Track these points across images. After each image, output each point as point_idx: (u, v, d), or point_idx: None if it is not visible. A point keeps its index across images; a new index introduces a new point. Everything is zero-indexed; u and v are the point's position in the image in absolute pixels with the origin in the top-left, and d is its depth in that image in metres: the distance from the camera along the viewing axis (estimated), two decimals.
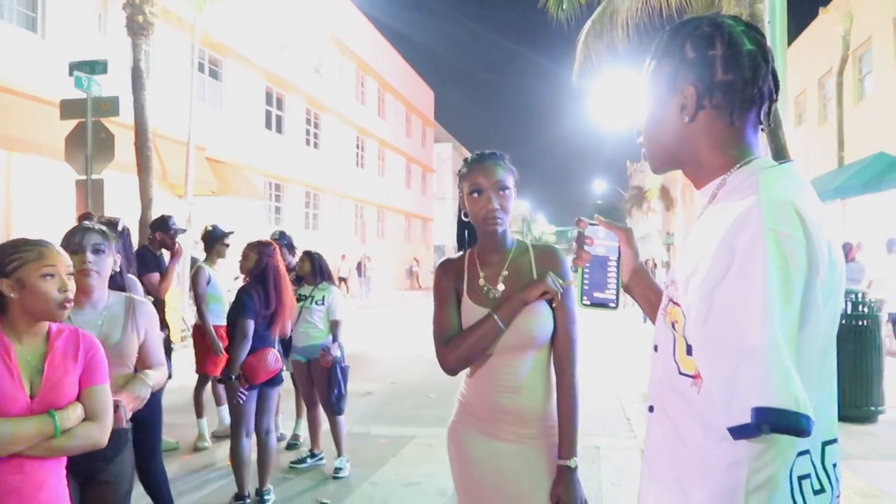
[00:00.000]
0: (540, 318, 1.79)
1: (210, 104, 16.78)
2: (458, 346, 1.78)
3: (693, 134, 1.14)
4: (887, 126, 13.37)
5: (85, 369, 1.82)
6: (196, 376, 5.27)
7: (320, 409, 4.61)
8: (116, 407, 1.94)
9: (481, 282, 1.87)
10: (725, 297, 0.95)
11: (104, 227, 2.32)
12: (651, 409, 1.19)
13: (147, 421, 2.80)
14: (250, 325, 3.74)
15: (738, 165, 1.11)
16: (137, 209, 9.84)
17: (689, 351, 1.06)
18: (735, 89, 1.09)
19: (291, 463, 4.63)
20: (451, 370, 1.80)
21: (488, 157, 1.84)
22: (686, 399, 1.07)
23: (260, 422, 3.89)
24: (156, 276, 4.88)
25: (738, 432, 0.91)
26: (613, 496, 4.07)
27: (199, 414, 5.19)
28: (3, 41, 10.57)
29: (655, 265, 22.70)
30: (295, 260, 5.19)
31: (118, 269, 2.42)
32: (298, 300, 4.53)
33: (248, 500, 3.82)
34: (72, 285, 1.80)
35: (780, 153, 6.46)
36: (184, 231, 5.41)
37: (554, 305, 1.82)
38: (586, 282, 1.40)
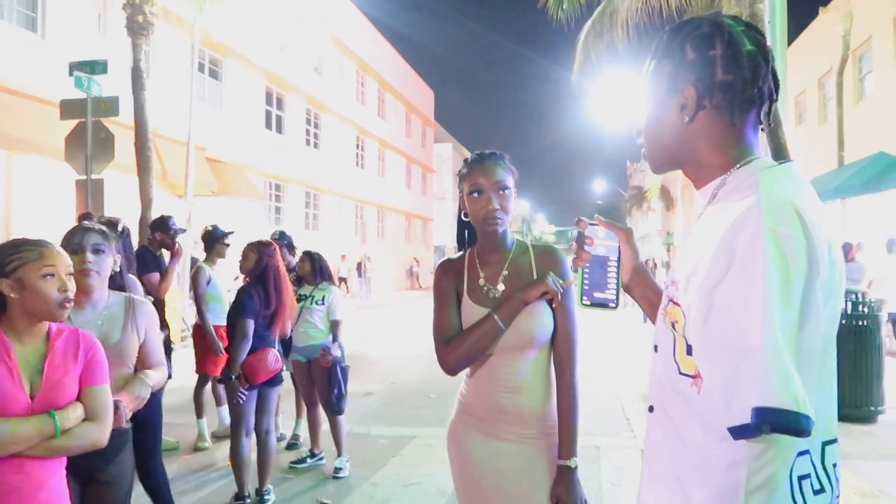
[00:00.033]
0: (540, 318, 1.79)
1: (210, 104, 16.79)
2: (458, 346, 1.78)
3: (693, 134, 1.14)
4: (887, 126, 13.37)
5: (85, 369, 1.82)
6: (196, 376, 5.27)
7: (320, 409, 4.61)
8: (116, 407, 1.94)
9: (481, 282, 1.87)
10: (725, 297, 0.95)
11: (104, 228, 2.32)
12: (651, 409, 1.19)
13: (147, 421, 2.79)
14: (250, 326, 3.74)
15: (737, 165, 1.11)
16: (137, 209, 9.84)
17: (689, 351, 1.06)
18: (735, 89, 1.09)
19: (291, 463, 4.63)
20: (451, 370, 1.80)
21: (488, 158, 1.84)
22: (686, 399, 1.07)
23: (260, 422, 3.89)
24: (156, 276, 4.88)
25: (738, 432, 0.91)
26: (613, 496, 4.07)
27: (199, 414, 5.19)
28: (3, 41, 10.57)
29: (655, 265, 22.70)
30: (295, 260, 5.19)
31: (118, 269, 2.42)
32: (298, 300, 4.53)
33: (248, 500, 3.82)
34: (72, 285, 1.80)
35: (779, 153, 6.46)
36: (184, 231, 5.41)
37: (554, 305, 1.82)
38: (586, 282, 1.40)
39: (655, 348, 1.19)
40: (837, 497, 1.05)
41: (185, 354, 6.61)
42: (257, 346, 3.78)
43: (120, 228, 4.12)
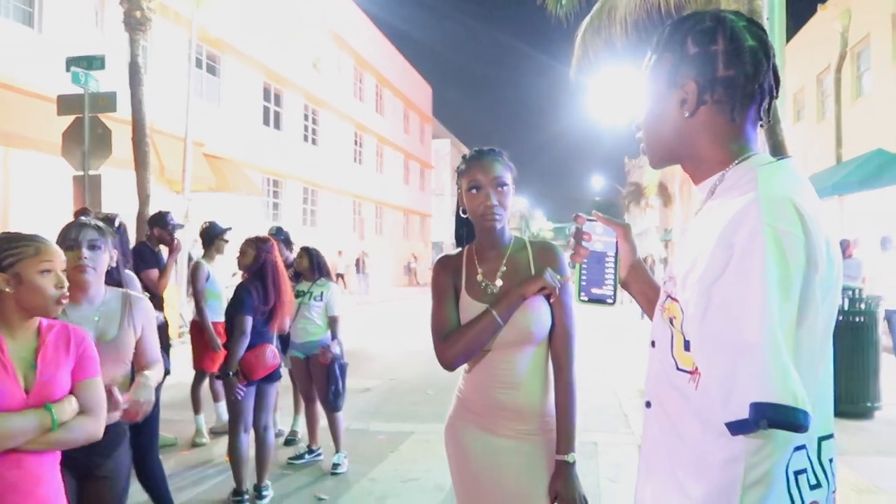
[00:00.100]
0: (538, 314, 1.79)
1: (208, 100, 16.75)
2: (456, 342, 1.78)
3: (693, 129, 1.14)
4: (885, 123, 13.38)
5: (77, 363, 1.82)
6: (193, 373, 5.27)
7: (318, 405, 4.61)
8: (110, 393, 1.94)
9: (479, 278, 1.87)
10: (724, 293, 0.95)
11: (100, 223, 2.32)
12: (648, 404, 1.19)
13: (144, 417, 2.79)
14: (248, 322, 3.74)
15: (736, 161, 1.11)
16: (135, 205, 9.82)
17: (686, 347, 1.06)
18: (736, 85, 1.08)
19: (289, 459, 4.64)
20: (450, 365, 1.80)
21: (487, 154, 1.85)
22: (683, 395, 1.07)
23: (258, 418, 3.89)
24: (154, 272, 4.87)
25: (736, 427, 0.92)
26: (611, 492, 4.08)
27: (197, 410, 5.19)
28: (0, 36, 10.53)
29: (654, 262, 22.71)
30: (292, 256, 5.19)
31: (115, 265, 2.41)
32: (297, 296, 4.52)
33: (246, 496, 3.82)
34: (66, 281, 1.81)
35: (778, 150, 6.47)
36: (181, 227, 5.40)
37: (552, 301, 1.82)
38: (584, 278, 1.40)
39: (653, 344, 1.19)
40: (833, 492, 1.05)
41: (182, 351, 6.61)
42: (255, 342, 3.78)
43: (117, 224, 4.11)
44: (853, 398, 5.50)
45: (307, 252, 4.72)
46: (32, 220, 9.70)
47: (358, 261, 25.09)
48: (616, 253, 1.41)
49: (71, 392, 1.79)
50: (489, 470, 1.82)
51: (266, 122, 20.15)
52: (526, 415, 1.81)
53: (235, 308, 3.79)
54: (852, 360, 5.49)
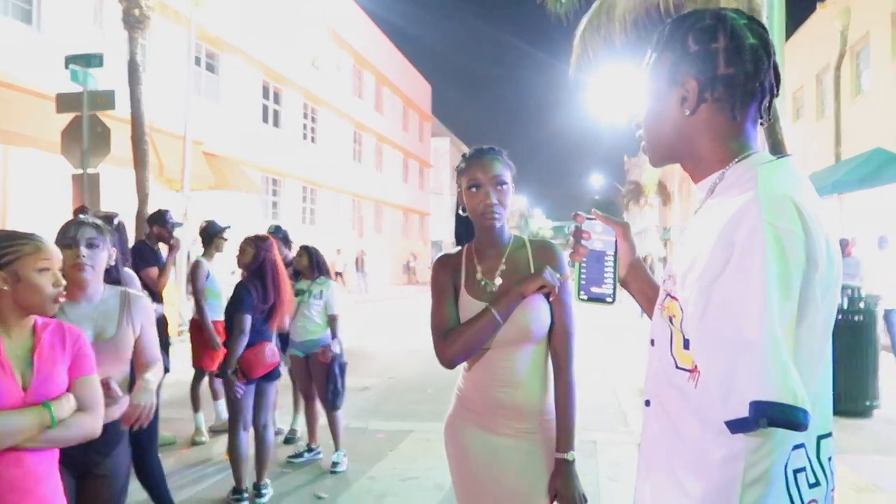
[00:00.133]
0: (537, 312, 1.79)
1: (207, 98, 16.72)
2: (455, 340, 1.78)
3: (694, 127, 1.13)
4: (884, 121, 13.38)
5: (73, 361, 1.82)
6: (193, 371, 5.27)
7: (318, 403, 4.62)
8: (108, 386, 1.94)
9: (479, 276, 1.87)
10: (724, 292, 0.95)
11: (98, 222, 2.31)
12: (648, 403, 1.19)
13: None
14: (247, 321, 3.74)
15: (736, 160, 1.11)
16: (134, 203, 9.81)
17: (686, 345, 1.06)
18: (737, 83, 1.08)
19: (289, 457, 4.64)
20: (449, 363, 1.81)
21: (486, 153, 1.85)
22: (683, 393, 1.07)
23: (257, 416, 3.89)
24: (154, 270, 4.86)
25: (736, 426, 0.92)
26: (610, 490, 4.08)
27: (196, 408, 5.19)
28: None
29: (653, 261, 22.70)
30: (291, 254, 5.18)
31: (113, 264, 2.41)
32: (296, 295, 4.52)
33: (246, 495, 3.82)
34: (63, 280, 1.81)
35: (777, 148, 6.46)
36: (181, 225, 5.40)
37: (551, 300, 1.82)
38: (583, 277, 1.40)
39: (652, 342, 1.19)
40: (832, 490, 1.05)
41: (181, 349, 6.60)
42: (255, 340, 3.78)
43: (116, 223, 4.11)
44: (852, 397, 5.50)
45: (307, 250, 4.72)
46: (31, 219, 9.70)
47: (357, 259, 25.08)
48: (615, 252, 1.40)
49: (67, 390, 1.80)
50: (489, 468, 1.82)
51: (265, 121, 20.13)
52: (525, 413, 1.81)
53: (234, 306, 3.79)
54: (851, 358, 5.49)
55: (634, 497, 1.21)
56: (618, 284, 1.41)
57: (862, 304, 5.64)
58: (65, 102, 8.01)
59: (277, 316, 3.94)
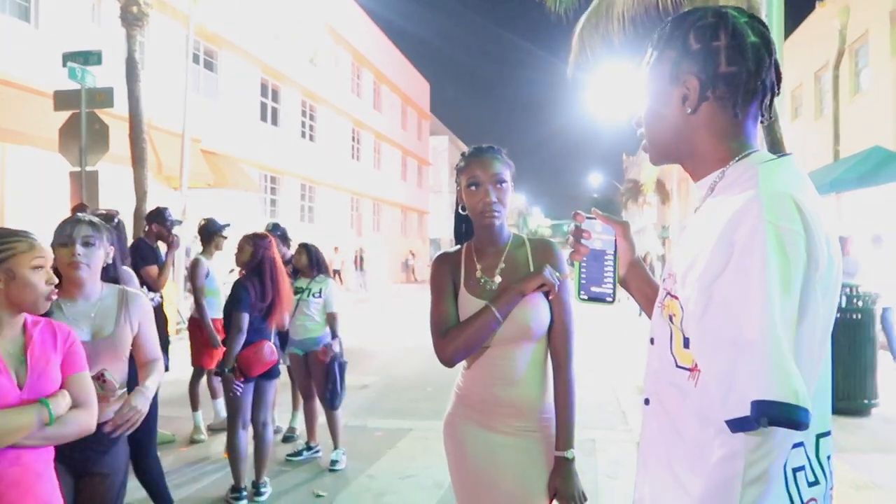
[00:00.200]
0: (536, 310, 1.79)
1: (205, 95, 16.69)
2: (455, 338, 1.78)
3: (694, 125, 1.13)
4: (883, 120, 13.39)
5: (65, 358, 1.83)
6: (191, 369, 5.27)
7: (317, 401, 4.61)
8: (104, 378, 1.94)
9: (478, 274, 1.87)
10: (724, 291, 0.95)
11: (95, 219, 2.30)
12: (647, 401, 1.19)
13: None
14: (245, 319, 3.73)
15: (736, 158, 1.10)
16: (132, 201, 9.79)
17: (685, 344, 1.06)
18: (739, 81, 1.08)
19: (288, 456, 4.64)
20: (449, 361, 1.81)
21: (486, 151, 1.85)
22: (682, 392, 1.07)
23: (256, 415, 3.89)
24: (154, 268, 4.86)
25: (737, 425, 0.92)
26: (610, 489, 4.09)
27: (195, 407, 5.19)
28: None
29: (652, 259, 22.71)
30: (289, 252, 5.18)
31: (111, 262, 2.40)
32: (295, 293, 4.51)
33: (245, 493, 3.82)
34: (55, 278, 1.82)
35: (776, 147, 6.47)
36: (179, 223, 5.39)
37: (550, 298, 1.82)
38: (583, 276, 1.39)
39: (652, 341, 1.19)
40: (831, 489, 1.06)
41: (180, 347, 6.60)
42: (253, 338, 3.77)
43: (115, 221, 4.10)
44: (851, 395, 5.51)
45: (306, 248, 4.72)
46: (29, 217, 9.69)
47: (356, 257, 25.07)
48: (615, 251, 1.40)
49: (61, 387, 1.80)
50: (488, 467, 1.82)
51: (263, 119, 20.11)
52: (525, 411, 1.81)
53: (232, 305, 3.78)
54: (850, 357, 5.50)
55: (634, 495, 1.21)
56: (617, 284, 1.41)
57: (860, 303, 5.65)
58: (62, 100, 7.99)
59: (276, 314, 3.93)
